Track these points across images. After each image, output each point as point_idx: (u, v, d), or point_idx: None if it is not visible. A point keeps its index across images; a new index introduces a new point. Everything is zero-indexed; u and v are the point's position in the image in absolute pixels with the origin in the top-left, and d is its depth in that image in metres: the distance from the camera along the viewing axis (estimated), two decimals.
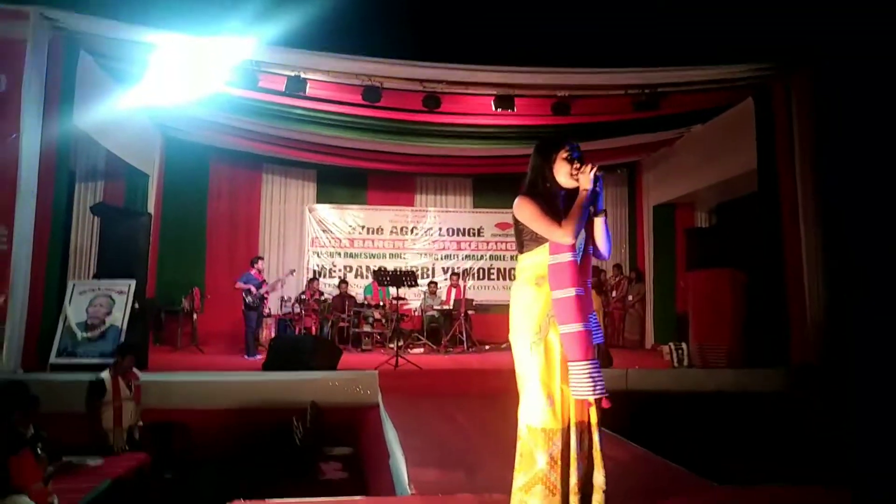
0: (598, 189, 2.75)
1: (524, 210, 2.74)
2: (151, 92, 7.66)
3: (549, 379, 2.69)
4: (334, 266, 12.18)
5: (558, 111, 7.96)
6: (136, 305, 7.01)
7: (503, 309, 10.28)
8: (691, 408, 6.35)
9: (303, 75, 7.43)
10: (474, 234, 12.60)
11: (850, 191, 7.02)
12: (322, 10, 6.12)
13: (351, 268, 12.20)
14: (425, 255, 12.46)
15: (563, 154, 2.79)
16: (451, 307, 10.96)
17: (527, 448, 2.70)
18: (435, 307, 11.04)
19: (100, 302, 6.84)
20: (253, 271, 9.50)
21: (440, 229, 12.56)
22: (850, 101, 6.95)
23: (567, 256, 2.67)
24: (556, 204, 2.76)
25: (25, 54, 6.38)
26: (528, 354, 2.71)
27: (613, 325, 11.18)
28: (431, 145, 9.50)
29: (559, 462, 2.63)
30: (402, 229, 12.47)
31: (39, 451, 3.63)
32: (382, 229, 12.40)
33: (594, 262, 2.91)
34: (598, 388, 2.58)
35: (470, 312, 10.86)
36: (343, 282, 11.29)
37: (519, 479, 2.71)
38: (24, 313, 6.33)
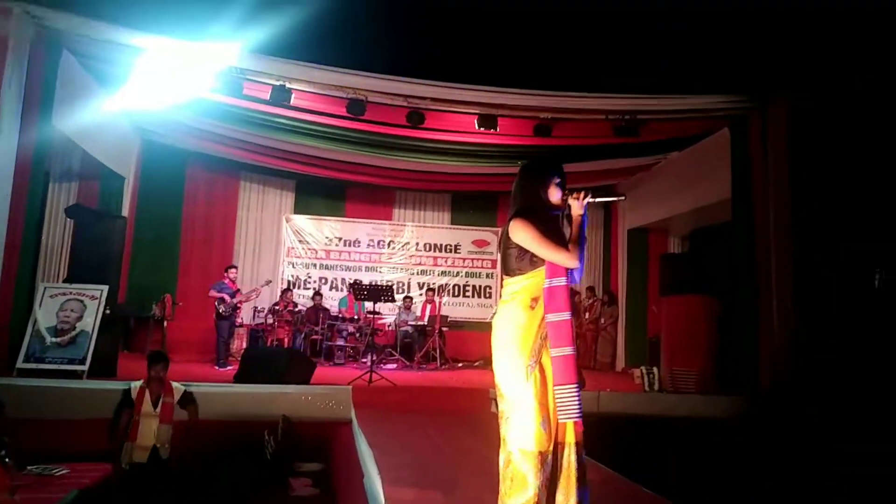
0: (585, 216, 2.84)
1: (524, 233, 2.77)
2: (134, 95, 7.59)
3: (547, 401, 2.72)
4: (309, 277, 12.10)
5: (540, 133, 8.05)
6: (108, 311, 6.88)
7: (477, 326, 10.36)
8: (662, 432, 6.41)
9: (288, 85, 7.41)
10: (451, 251, 12.63)
11: (821, 223, 7.21)
12: (309, 17, 6.10)
13: (326, 280, 12.13)
14: (401, 269, 12.45)
15: (557, 179, 2.86)
16: (426, 323, 10.95)
17: (518, 472, 2.69)
18: (409, 322, 11.02)
19: (71, 306, 6.70)
20: (226, 280, 9.41)
21: (417, 244, 12.57)
22: (823, 134, 7.15)
23: (563, 280, 2.74)
24: (558, 227, 2.83)
25: (6, 51, 6.26)
26: (524, 378, 2.73)
27: (586, 346, 11.25)
28: (413, 160, 9.53)
29: (546, 483, 2.66)
30: (379, 243, 12.45)
31: (6, 460, 3.54)
32: (359, 242, 12.38)
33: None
34: (580, 412, 2.65)
35: (444, 329, 10.87)
36: (317, 293, 11.23)
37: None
38: None
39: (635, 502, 3.76)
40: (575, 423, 2.71)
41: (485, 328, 11.82)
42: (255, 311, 10.88)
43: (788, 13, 6.39)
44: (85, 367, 6.48)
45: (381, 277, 12.14)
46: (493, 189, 11.52)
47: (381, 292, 8.63)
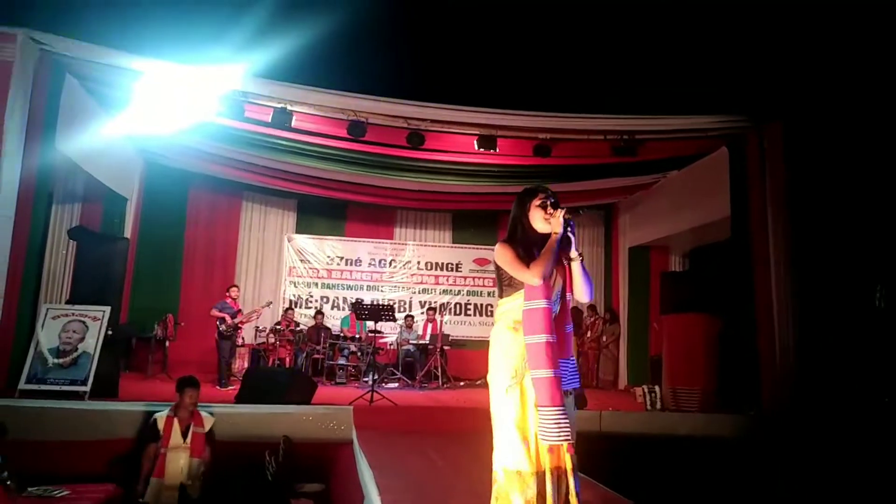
0: (569, 233, 2.84)
1: (501, 255, 2.86)
2: (136, 118, 7.67)
3: (524, 423, 2.76)
4: (311, 296, 12.13)
5: (539, 153, 8.10)
6: (110, 332, 6.90)
7: (479, 345, 10.39)
8: (664, 451, 6.39)
9: (289, 108, 7.50)
10: (452, 269, 12.68)
11: (820, 241, 7.25)
12: (310, 42, 6.21)
13: (328, 299, 12.16)
14: (403, 288, 12.48)
15: (537, 202, 2.92)
16: (428, 342, 10.95)
17: (503, 491, 2.76)
18: (411, 341, 11.02)
19: (73, 328, 6.72)
20: (228, 299, 9.44)
21: (419, 263, 12.61)
22: (820, 152, 7.22)
23: (541, 303, 2.74)
24: (532, 251, 2.85)
25: (11, 76, 6.37)
26: (504, 397, 2.79)
27: (588, 365, 11.24)
28: (413, 180, 9.59)
29: None
30: (380, 262, 12.50)
31: (8, 483, 3.55)
32: (361, 261, 12.42)
33: (573, 302, 2.98)
34: (564, 434, 2.63)
35: (446, 348, 10.87)
36: (319, 313, 11.25)
37: None
38: None
39: None
40: (568, 446, 2.72)
41: (486, 346, 11.81)
42: (256, 330, 10.90)
43: (783, 34, 6.47)
44: (87, 388, 6.48)
45: (383, 296, 12.17)
46: (494, 208, 11.58)
47: (381, 312, 8.64)
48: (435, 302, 12.35)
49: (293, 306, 11.61)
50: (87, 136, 7.61)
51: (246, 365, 10.45)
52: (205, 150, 9.14)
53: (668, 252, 11.54)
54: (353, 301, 11.28)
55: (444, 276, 12.66)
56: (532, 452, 2.72)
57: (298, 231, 12.34)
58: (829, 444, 6.24)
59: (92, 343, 6.70)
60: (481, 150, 7.99)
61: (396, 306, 10.98)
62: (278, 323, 10.87)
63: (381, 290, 12.36)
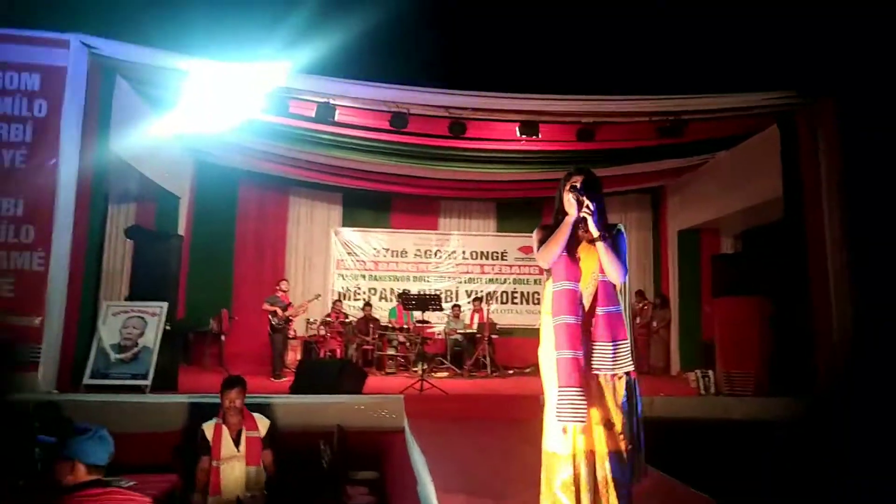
0: (587, 213, 2.79)
1: (534, 239, 2.95)
2: (185, 118, 7.85)
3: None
4: (359, 288, 12.29)
5: (583, 137, 8.01)
6: (168, 327, 7.12)
7: (526, 333, 10.41)
8: (719, 436, 6.29)
9: (332, 102, 7.58)
10: (498, 258, 12.66)
11: (878, 219, 6.99)
12: (352, 37, 6.27)
13: (375, 290, 12.30)
14: (449, 278, 12.54)
15: (568, 185, 2.90)
16: (475, 331, 10.98)
17: (546, 473, 2.82)
18: (458, 331, 11.07)
19: (133, 323, 6.96)
20: (279, 293, 9.63)
21: (464, 253, 12.64)
22: (874, 130, 6.94)
23: (566, 285, 2.78)
24: (574, 234, 2.85)
25: (65, 81, 6.59)
26: (548, 379, 2.85)
27: (637, 351, 11.10)
28: (456, 169, 9.60)
29: (571, 488, 2.67)
30: (425, 252, 12.57)
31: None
32: (406, 252, 12.51)
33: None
34: (579, 416, 2.65)
35: (493, 336, 10.88)
36: (367, 304, 11.38)
37: (544, 503, 2.78)
38: (60, 334, 6.45)
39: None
40: (607, 429, 2.71)
41: (534, 335, 11.77)
42: (307, 322, 11.09)
43: (832, 6, 6.25)
44: (148, 382, 6.70)
45: (429, 287, 12.23)
46: (538, 195, 11.47)
47: (428, 301, 8.71)
48: (481, 291, 12.36)
49: (342, 298, 11.77)
50: (139, 137, 7.82)
51: (299, 357, 10.65)
52: (251, 146, 9.31)
53: (719, 234, 11.27)
54: (400, 292, 11.37)
55: (489, 266, 12.66)
56: (569, 435, 2.73)
57: (345, 224, 12.50)
58: (886, 425, 6.05)
59: (151, 338, 6.92)
60: (524, 136, 7.94)
61: (443, 296, 11.01)
62: (328, 315, 11.04)
63: (428, 281, 12.44)
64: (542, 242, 2.85)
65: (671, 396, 7.36)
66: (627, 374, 2.82)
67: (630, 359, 2.83)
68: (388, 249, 12.49)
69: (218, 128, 8.15)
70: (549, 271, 2.91)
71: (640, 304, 11.53)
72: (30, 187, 6.42)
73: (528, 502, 3.42)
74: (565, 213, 2.90)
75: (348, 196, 12.31)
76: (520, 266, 12.64)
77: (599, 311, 2.80)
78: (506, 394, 8.13)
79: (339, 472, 6.06)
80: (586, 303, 2.81)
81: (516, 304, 12.52)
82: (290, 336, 10.28)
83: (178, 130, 8.44)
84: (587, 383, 2.74)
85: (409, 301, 9.10)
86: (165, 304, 7.18)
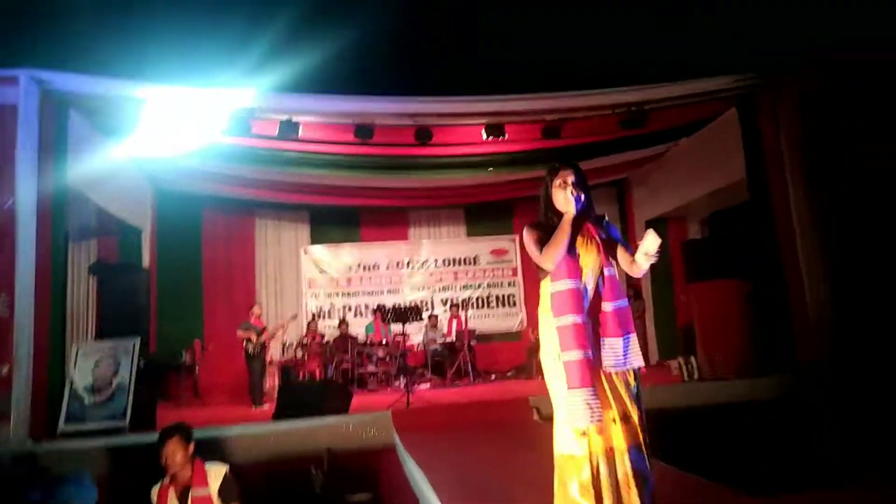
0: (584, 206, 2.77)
1: (525, 239, 2.86)
2: (143, 146, 7.66)
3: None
4: (333, 306, 12.10)
5: (548, 135, 8.02)
6: (142, 363, 6.90)
7: (505, 337, 10.35)
8: (709, 420, 6.32)
9: (295, 119, 7.45)
10: (470, 263, 12.59)
11: (841, 192, 7.12)
12: (314, 53, 6.18)
13: (350, 307, 12.13)
14: (423, 288, 12.43)
15: (557, 181, 2.84)
16: (454, 339, 10.91)
17: (561, 476, 2.72)
18: (437, 340, 10.97)
19: (105, 363, 6.71)
20: (252, 318, 9.42)
21: (436, 261, 12.55)
22: (835, 106, 7.08)
23: (566, 284, 2.70)
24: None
25: (17, 119, 6.35)
26: (554, 381, 2.74)
27: None
28: (424, 177, 9.56)
29: (591, 490, 2.60)
30: (397, 264, 12.44)
31: None
32: (378, 265, 12.38)
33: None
34: (595, 416, 2.57)
35: (473, 343, 10.81)
36: (343, 322, 11.20)
37: None
38: (30, 381, 6.17)
39: (696, 494, 3.66)
40: (626, 426, 2.65)
41: (513, 338, 11.80)
42: (283, 346, 10.88)
43: None
44: (125, 423, 6.47)
45: (404, 298, 12.11)
46: (506, 197, 11.52)
47: (408, 313, 8.59)
48: (456, 298, 12.27)
49: (316, 318, 11.58)
50: (97, 170, 7.58)
51: (277, 382, 10.44)
52: (213, 171, 9.13)
53: (686, 221, 11.40)
54: (377, 306, 11.24)
55: (462, 272, 12.58)
56: (584, 435, 2.66)
57: (314, 242, 12.30)
58: (870, 397, 6.14)
59: (126, 376, 6.69)
60: (490, 138, 7.91)
61: (419, 306, 10.92)
62: (304, 337, 10.85)
63: (402, 293, 12.31)
64: (540, 242, 2.77)
65: (657, 385, 7.37)
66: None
67: (640, 352, 2.78)
68: (359, 264, 12.34)
69: (178, 154, 7.97)
70: (542, 269, 2.84)
71: None
72: None
73: None
74: (554, 211, 2.84)
75: (315, 213, 12.14)
76: (493, 269, 12.58)
77: (607, 306, 2.73)
78: (492, 399, 8.05)
79: (333, 496, 5.93)
80: (588, 298, 2.75)
81: (492, 307, 12.46)
82: (268, 361, 10.06)
83: (136, 159, 8.23)
84: (599, 381, 2.67)
85: (387, 315, 8.97)
86: (138, 340, 6.96)
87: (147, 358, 7.40)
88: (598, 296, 2.75)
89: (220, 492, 3.87)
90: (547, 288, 2.81)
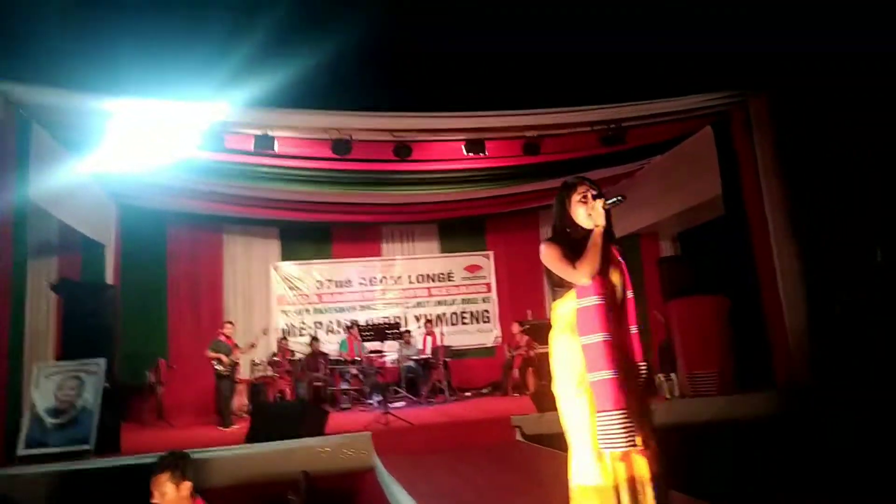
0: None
1: (546, 255, 2.71)
2: (108, 161, 7.37)
3: (596, 432, 2.55)
4: (304, 324, 11.86)
5: (529, 151, 7.98)
6: (108, 385, 6.58)
7: (480, 353, 10.25)
8: (694, 439, 6.27)
9: (271, 133, 7.25)
10: (444, 280, 12.49)
11: (817, 208, 7.22)
12: (293, 70, 6.03)
13: (321, 324, 11.89)
14: (396, 304, 12.26)
15: (577, 196, 2.76)
16: (429, 356, 10.75)
17: None
18: (412, 357, 10.80)
19: (69, 384, 6.38)
20: (222, 337, 9.14)
21: (409, 277, 12.41)
22: (808, 121, 7.19)
23: (594, 300, 2.59)
24: (580, 249, 2.69)
25: None
26: (574, 407, 2.61)
27: None
28: (400, 193, 9.41)
29: None
30: (370, 280, 12.28)
31: None
32: (350, 282, 12.19)
33: None
34: (630, 438, 2.45)
35: (447, 360, 10.67)
36: (314, 339, 10.97)
37: None
38: None
39: None
40: (646, 454, 2.54)
41: (486, 354, 11.67)
42: (252, 364, 10.57)
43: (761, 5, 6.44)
44: (90, 446, 6.15)
45: (377, 315, 11.92)
46: (480, 213, 11.46)
47: (386, 330, 8.42)
48: (430, 314, 12.14)
49: (287, 336, 11.30)
50: (59, 185, 7.26)
51: (245, 401, 10.15)
52: (181, 186, 8.85)
53: (657, 238, 11.47)
54: (351, 323, 11.01)
55: (436, 288, 12.47)
56: (608, 464, 2.54)
57: (284, 258, 12.05)
58: (851, 413, 6.17)
59: (90, 398, 6.38)
60: (470, 154, 7.82)
61: (397, 323, 10.74)
62: (274, 354, 10.58)
63: (375, 309, 12.13)
64: (566, 257, 2.65)
65: None
66: None
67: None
68: (331, 280, 12.13)
69: (146, 169, 7.67)
70: (559, 287, 2.74)
71: None
72: None
73: None
74: (572, 225, 2.76)
75: (286, 229, 11.90)
76: (467, 285, 12.50)
77: (633, 329, 2.65)
78: (472, 418, 7.92)
79: None
80: (615, 319, 2.65)
81: (466, 323, 12.36)
82: (237, 380, 9.76)
83: (100, 175, 7.92)
84: (630, 404, 2.56)
85: (366, 332, 8.78)
86: (104, 360, 6.65)
87: (111, 379, 7.08)
88: (625, 318, 2.66)
89: None
90: (565, 308, 2.70)
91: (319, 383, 10.22)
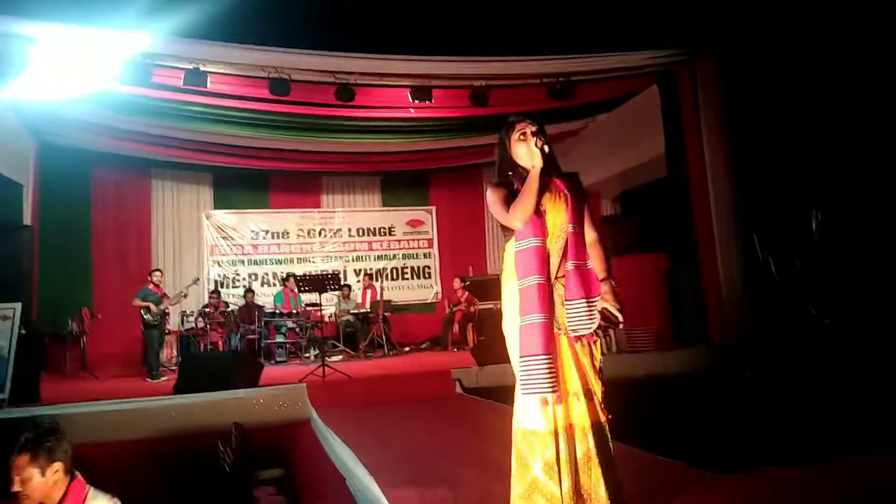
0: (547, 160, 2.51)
1: (489, 199, 2.61)
2: (27, 91, 6.79)
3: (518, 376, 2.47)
4: (238, 275, 11.48)
5: (476, 101, 7.75)
6: (24, 331, 6.18)
7: (420, 308, 10.16)
8: (632, 394, 6.33)
9: (202, 68, 6.80)
10: (385, 234, 12.29)
11: (759, 170, 7.29)
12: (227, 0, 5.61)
13: (256, 276, 11.55)
14: (336, 257, 12.00)
15: (516, 135, 2.62)
16: (368, 310, 10.59)
17: (521, 453, 2.48)
18: (351, 311, 10.61)
19: None
20: (150, 285, 8.72)
21: (350, 230, 12.16)
22: (755, 84, 7.21)
23: (532, 242, 2.48)
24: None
25: None
26: (517, 348, 2.50)
27: None
28: (342, 141, 9.08)
29: (555, 468, 2.40)
30: (309, 232, 11.95)
31: None
32: (288, 233, 11.83)
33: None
34: (551, 385, 2.36)
35: (387, 314, 10.54)
36: (249, 291, 10.65)
37: (516, 488, 2.49)
38: None
39: (660, 474, 3.50)
40: (590, 404, 2.45)
41: (427, 309, 11.62)
42: (183, 315, 10.18)
43: None
44: (5, 395, 5.79)
45: (315, 268, 11.63)
46: (426, 166, 11.23)
47: (325, 282, 8.18)
48: (370, 269, 11.94)
49: (220, 287, 10.92)
50: None
51: (174, 353, 9.81)
52: (106, 123, 8.28)
53: (600, 197, 11.51)
54: (289, 275, 10.71)
55: (377, 242, 12.27)
56: (550, 410, 2.44)
57: (217, 207, 11.58)
58: (779, 370, 6.34)
59: (5, 345, 5.98)
60: (416, 101, 7.55)
61: (337, 275, 10.53)
62: (206, 306, 10.21)
63: (313, 262, 11.85)
64: (506, 201, 2.52)
65: None
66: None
67: (598, 318, 2.57)
68: (267, 231, 11.75)
69: (66, 101, 7.12)
70: (507, 230, 2.59)
71: None
72: None
73: (486, 488, 3.14)
74: (516, 168, 2.61)
75: (220, 175, 11.40)
76: (408, 240, 12.34)
77: (569, 265, 2.50)
78: (411, 372, 7.84)
79: (243, 473, 5.54)
80: (555, 260, 2.52)
81: (407, 279, 12.22)
82: (166, 331, 9.38)
83: (19, 102, 7.30)
84: (559, 349, 2.46)
85: (304, 283, 8.50)
86: (19, 305, 6.23)
87: (30, 326, 6.66)
88: (563, 255, 2.53)
89: None
90: (511, 250, 2.57)
91: (253, 336, 9.94)
